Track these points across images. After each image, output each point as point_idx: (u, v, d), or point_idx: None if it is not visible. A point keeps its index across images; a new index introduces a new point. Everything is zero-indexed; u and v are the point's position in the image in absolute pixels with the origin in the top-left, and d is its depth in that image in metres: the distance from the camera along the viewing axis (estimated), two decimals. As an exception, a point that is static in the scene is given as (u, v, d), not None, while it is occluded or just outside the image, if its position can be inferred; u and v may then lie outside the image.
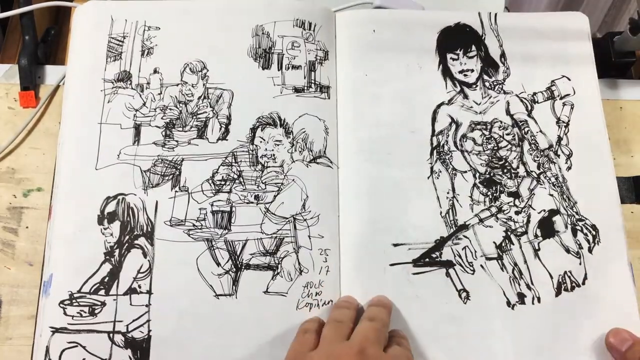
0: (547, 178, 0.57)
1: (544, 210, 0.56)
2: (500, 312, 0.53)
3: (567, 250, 0.55)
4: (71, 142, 0.55)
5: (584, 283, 0.54)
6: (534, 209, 0.56)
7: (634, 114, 0.65)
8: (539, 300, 0.53)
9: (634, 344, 0.50)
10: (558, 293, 0.54)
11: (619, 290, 0.54)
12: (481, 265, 0.54)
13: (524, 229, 0.56)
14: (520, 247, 0.55)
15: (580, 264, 0.55)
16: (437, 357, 0.51)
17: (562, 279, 0.54)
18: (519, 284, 0.54)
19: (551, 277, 0.54)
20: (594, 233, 0.56)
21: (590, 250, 0.55)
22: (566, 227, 0.56)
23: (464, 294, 0.53)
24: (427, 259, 0.54)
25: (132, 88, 0.57)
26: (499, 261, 0.54)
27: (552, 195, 0.57)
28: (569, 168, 0.58)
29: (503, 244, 0.55)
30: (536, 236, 0.55)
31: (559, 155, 0.58)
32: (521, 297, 0.53)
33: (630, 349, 0.50)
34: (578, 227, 0.56)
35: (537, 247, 0.55)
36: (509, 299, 0.53)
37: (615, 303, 0.54)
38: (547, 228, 0.56)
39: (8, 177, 0.58)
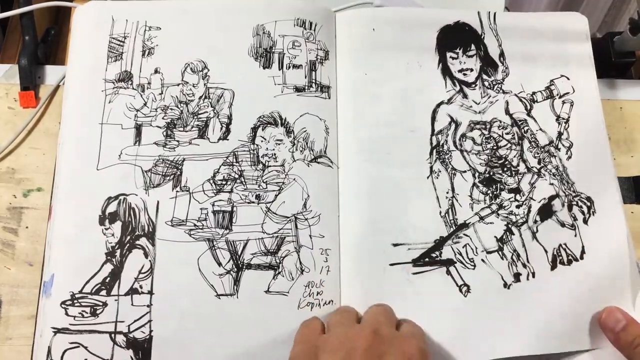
0: (548, 170, 0.57)
1: (544, 199, 0.57)
2: (499, 295, 0.53)
3: (562, 225, 0.55)
4: (71, 142, 0.55)
5: (582, 257, 0.54)
6: (534, 200, 0.56)
7: (634, 114, 0.65)
8: (533, 275, 0.54)
9: (628, 325, 0.50)
10: (553, 267, 0.54)
11: (616, 265, 0.54)
12: (482, 260, 0.54)
13: (525, 219, 0.56)
14: (521, 235, 0.55)
15: (575, 235, 0.55)
16: (439, 354, 0.51)
17: (556, 251, 0.55)
18: (516, 266, 0.54)
19: (545, 251, 0.55)
20: (588, 204, 0.56)
21: (585, 222, 0.56)
22: (563, 205, 0.56)
23: (464, 289, 0.53)
24: (427, 259, 0.54)
25: (133, 88, 0.57)
26: (500, 252, 0.55)
27: (552, 184, 0.57)
28: (569, 158, 0.58)
29: (504, 237, 0.55)
30: (535, 222, 0.56)
31: (559, 149, 0.58)
32: (517, 276, 0.54)
33: (624, 330, 0.50)
34: (574, 202, 0.56)
35: (535, 230, 0.55)
36: (506, 281, 0.53)
37: (612, 278, 0.54)
38: (545, 212, 0.56)
39: (8, 177, 0.58)
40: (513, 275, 0.54)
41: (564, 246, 0.55)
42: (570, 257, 0.54)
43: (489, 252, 0.54)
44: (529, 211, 0.56)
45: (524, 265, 0.54)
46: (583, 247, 0.55)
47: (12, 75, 0.62)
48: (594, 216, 0.56)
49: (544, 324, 0.52)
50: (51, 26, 0.69)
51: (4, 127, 0.60)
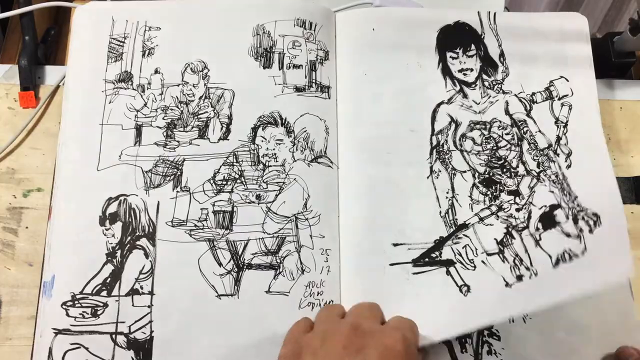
0: (547, 176, 0.57)
1: (545, 206, 0.56)
2: (500, 294, 0.53)
3: (568, 235, 0.55)
4: (71, 142, 0.55)
5: (582, 254, 0.55)
6: (534, 205, 0.56)
7: (634, 114, 0.65)
8: (535, 274, 0.54)
9: None
10: (555, 267, 0.54)
11: (617, 262, 0.54)
12: (482, 261, 0.54)
13: (525, 224, 0.56)
14: (522, 240, 0.55)
15: (580, 242, 0.55)
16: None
17: (560, 256, 0.55)
18: (519, 269, 0.54)
19: (549, 256, 0.55)
20: (595, 219, 0.56)
21: (591, 232, 0.56)
22: (567, 218, 0.56)
23: (464, 289, 0.53)
24: (426, 259, 0.54)
25: (133, 88, 0.57)
26: (500, 255, 0.54)
27: (552, 192, 0.57)
28: (568, 166, 0.58)
29: (504, 240, 0.55)
30: (537, 229, 0.56)
31: (558, 155, 0.58)
32: (519, 278, 0.54)
33: None
34: (579, 217, 0.56)
35: (538, 238, 0.55)
36: (508, 282, 0.53)
37: (612, 274, 0.54)
38: (548, 221, 0.56)
39: (8, 177, 0.58)
40: (516, 277, 0.54)
41: (568, 251, 0.55)
42: (573, 257, 0.55)
43: (489, 254, 0.54)
44: (529, 216, 0.56)
45: (527, 269, 0.54)
46: (585, 246, 0.55)
47: (12, 75, 0.62)
48: (599, 227, 0.56)
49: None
50: (51, 26, 0.69)
51: (4, 127, 0.59)
